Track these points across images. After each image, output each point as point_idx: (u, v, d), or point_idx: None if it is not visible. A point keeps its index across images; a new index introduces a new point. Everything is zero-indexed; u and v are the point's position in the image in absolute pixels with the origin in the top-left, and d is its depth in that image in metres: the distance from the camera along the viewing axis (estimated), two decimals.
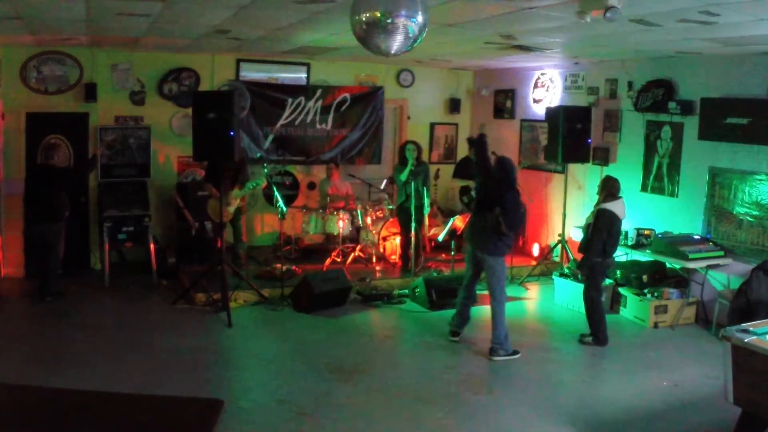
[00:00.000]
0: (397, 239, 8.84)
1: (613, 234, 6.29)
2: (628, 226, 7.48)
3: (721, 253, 6.89)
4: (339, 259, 8.62)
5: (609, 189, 6.37)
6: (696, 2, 4.27)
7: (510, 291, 8.20)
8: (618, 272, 7.51)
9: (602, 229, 6.19)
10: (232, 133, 6.64)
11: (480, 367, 5.93)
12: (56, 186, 7.27)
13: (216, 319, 6.86)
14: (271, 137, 9.41)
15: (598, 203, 6.41)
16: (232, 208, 7.93)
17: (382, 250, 8.92)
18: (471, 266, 6.35)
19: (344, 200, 8.94)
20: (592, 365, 6.07)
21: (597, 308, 6.38)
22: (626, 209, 6.50)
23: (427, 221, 8.64)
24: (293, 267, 8.23)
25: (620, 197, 6.37)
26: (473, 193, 6.33)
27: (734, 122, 6.56)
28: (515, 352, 6.08)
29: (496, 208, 6.00)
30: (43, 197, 7.23)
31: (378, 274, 8.32)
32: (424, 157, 9.17)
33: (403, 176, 8.12)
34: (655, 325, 6.92)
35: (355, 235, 9.01)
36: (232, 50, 8.44)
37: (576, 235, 8.22)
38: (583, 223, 6.81)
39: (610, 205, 6.26)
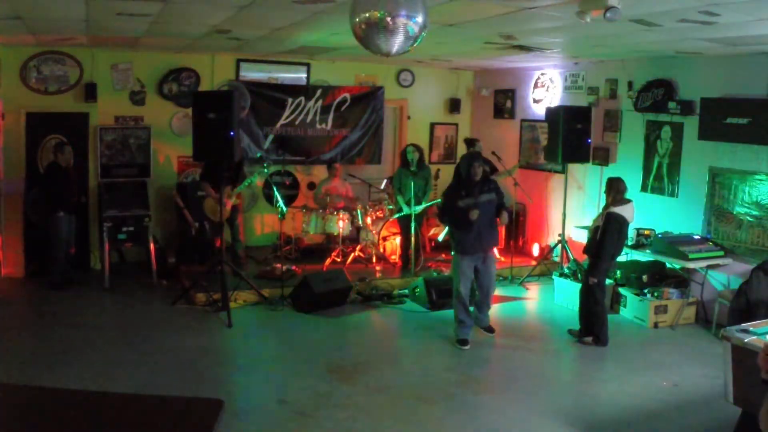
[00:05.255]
0: (397, 239, 8.84)
1: (622, 238, 6.27)
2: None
3: (721, 253, 6.89)
4: (339, 259, 8.62)
5: (617, 190, 6.23)
6: (696, 2, 4.27)
7: (510, 291, 8.25)
8: (618, 272, 7.51)
9: (613, 233, 6.12)
10: (232, 133, 6.64)
11: (480, 367, 5.93)
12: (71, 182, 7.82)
13: (216, 319, 6.86)
14: (271, 137, 9.41)
15: (606, 206, 6.27)
16: (227, 207, 7.90)
17: (382, 250, 8.92)
18: (471, 274, 6.39)
19: (344, 200, 8.93)
20: (592, 365, 6.07)
21: (600, 309, 6.37)
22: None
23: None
24: (293, 267, 8.23)
25: (630, 200, 6.29)
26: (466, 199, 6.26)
27: (734, 122, 6.55)
28: (463, 342, 6.28)
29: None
30: (67, 192, 7.73)
31: (378, 274, 8.31)
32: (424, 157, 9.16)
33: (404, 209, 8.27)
34: (655, 325, 6.92)
35: (355, 235, 9.01)
36: (232, 50, 8.43)
37: (576, 236, 8.23)
38: (589, 224, 6.76)
39: (620, 209, 6.16)
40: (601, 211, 6.40)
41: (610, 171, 8.02)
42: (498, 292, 8.12)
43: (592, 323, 6.36)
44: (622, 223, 6.18)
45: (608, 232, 6.12)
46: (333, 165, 9.21)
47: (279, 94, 9.41)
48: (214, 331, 6.59)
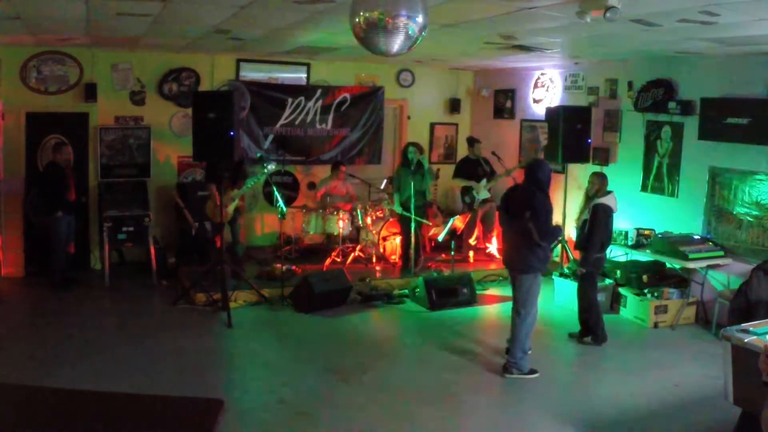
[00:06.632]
0: (397, 239, 8.84)
1: (609, 228, 6.33)
2: (628, 226, 7.50)
3: (721, 253, 6.89)
4: (339, 259, 8.62)
5: (602, 184, 6.36)
6: (696, 2, 4.27)
7: (509, 291, 8.18)
8: (618, 272, 7.51)
9: (601, 223, 6.20)
10: (232, 133, 6.65)
11: (480, 367, 5.92)
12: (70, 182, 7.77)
13: (216, 319, 6.86)
14: (271, 137, 9.41)
15: (592, 199, 6.37)
16: (230, 208, 7.86)
17: (382, 250, 8.92)
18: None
19: (344, 200, 8.91)
20: (592, 365, 6.07)
21: (595, 307, 6.38)
22: (626, 209, 6.52)
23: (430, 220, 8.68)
24: (293, 267, 8.23)
25: (611, 191, 6.39)
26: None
27: (734, 122, 6.55)
28: (532, 371, 5.59)
29: (525, 212, 5.45)
30: (66, 192, 7.67)
31: (378, 274, 8.31)
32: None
33: (397, 208, 8.32)
34: (655, 325, 6.92)
35: (355, 235, 9.00)
36: (232, 50, 8.43)
37: (576, 236, 8.22)
38: (577, 219, 6.78)
39: (605, 200, 6.28)
40: (584, 205, 6.44)
41: (610, 171, 8.01)
42: (497, 292, 8.15)
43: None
44: (608, 213, 6.26)
45: (597, 222, 6.20)
46: (338, 166, 9.12)
47: (279, 94, 9.41)
48: (214, 331, 6.59)
